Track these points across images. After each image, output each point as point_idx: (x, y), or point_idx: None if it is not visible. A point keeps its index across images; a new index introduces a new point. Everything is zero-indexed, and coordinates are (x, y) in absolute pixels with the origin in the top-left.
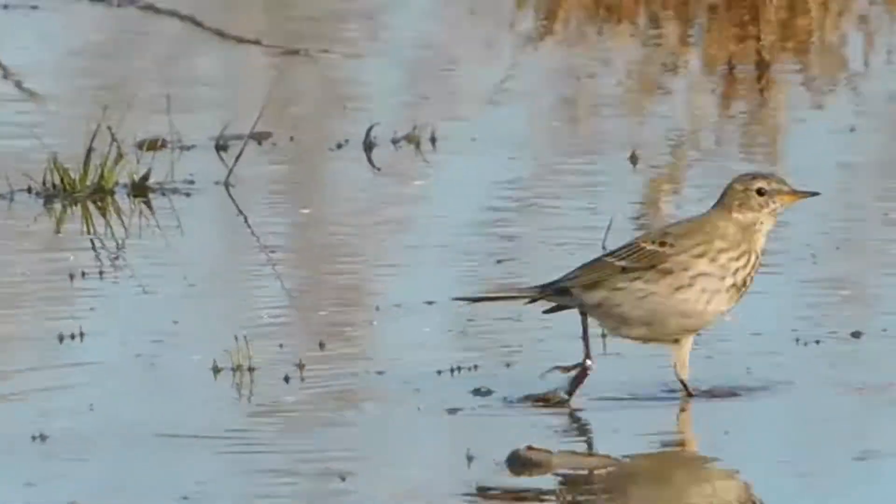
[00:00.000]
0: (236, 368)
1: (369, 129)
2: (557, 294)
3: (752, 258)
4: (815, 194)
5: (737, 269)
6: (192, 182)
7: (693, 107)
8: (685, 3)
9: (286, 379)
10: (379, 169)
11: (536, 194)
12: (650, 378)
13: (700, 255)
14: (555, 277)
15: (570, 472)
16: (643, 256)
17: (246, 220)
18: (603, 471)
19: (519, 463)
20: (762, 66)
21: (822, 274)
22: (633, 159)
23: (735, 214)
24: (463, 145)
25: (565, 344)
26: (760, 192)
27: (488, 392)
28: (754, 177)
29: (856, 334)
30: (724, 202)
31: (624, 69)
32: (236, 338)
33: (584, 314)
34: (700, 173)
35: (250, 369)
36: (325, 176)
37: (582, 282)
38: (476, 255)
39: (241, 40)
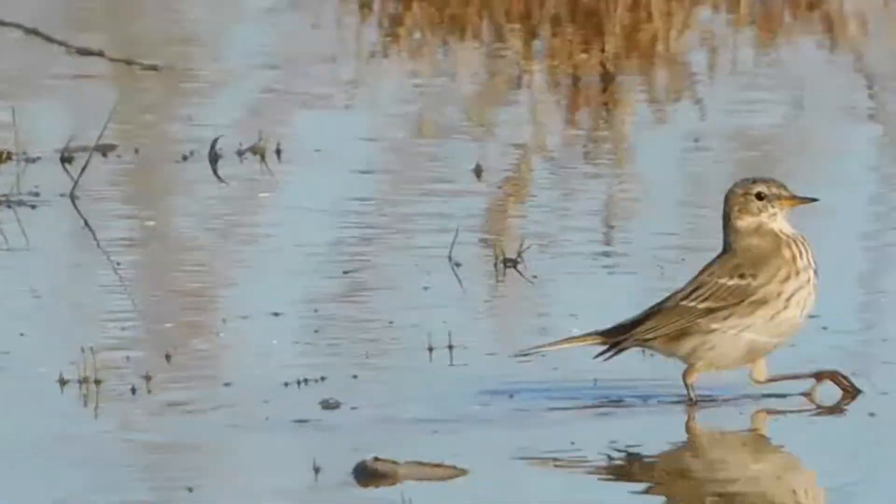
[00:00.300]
0: (83, 381)
1: (214, 141)
2: (634, 346)
3: (801, 243)
4: (814, 200)
5: (807, 263)
6: (37, 194)
7: (538, 118)
8: (528, 15)
9: (133, 391)
10: (224, 181)
11: (382, 206)
12: (501, 392)
13: (787, 278)
14: (612, 324)
15: (417, 482)
16: (728, 293)
17: (92, 232)
18: (452, 481)
19: (366, 474)
20: (606, 78)
21: (669, 285)
22: (478, 171)
23: (736, 222)
24: (307, 157)
25: (412, 355)
26: (760, 197)
27: (336, 404)
28: (754, 181)
29: None
30: (726, 212)
31: (469, 81)
32: (83, 350)
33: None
34: (545, 185)
35: (97, 381)
36: (171, 188)
37: (663, 333)
38: (322, 266)
39: (85, 52)
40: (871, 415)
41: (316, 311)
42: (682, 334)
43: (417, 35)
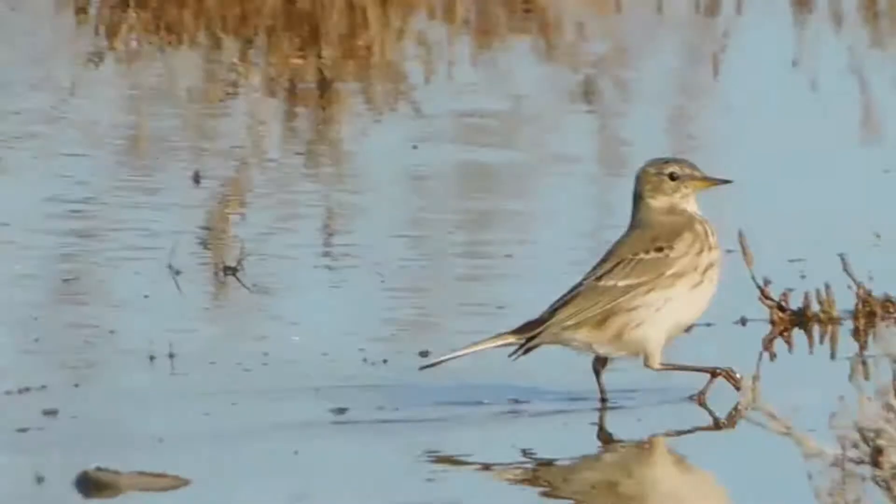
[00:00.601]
0: None
1: None
2: (550, 340)
3: (709, 224)
4: (727, 181)
5: (716, 244)
6: None
7: (256, 125)
8: (245, 21)
9: None
10: None
11: (100, 213)
12: (223, 401)
13: (700, 252)
14: (523, 321)
15: (140, 492)
16: (646, 269)
17: None
18: (175, 491)
19: (88, 484)
20: (324, 84)
21: (388, 292)
22: (196, 178)
23: (648, 201)
24: (23, 165)
25: (133, 364)
26: (672, 177)
27: (57, 412)
28: (666, 161)
29: (423, 353)
30: (638, 191)
31: (186, 88)
32: None
33: (597, 372)
34: (264, 192)
35: None
36: None
37: (585, 317)
38: (42, 274)
39: None
40: None
41: (35, 318)
42: (606, 317)
43: (134, 41)
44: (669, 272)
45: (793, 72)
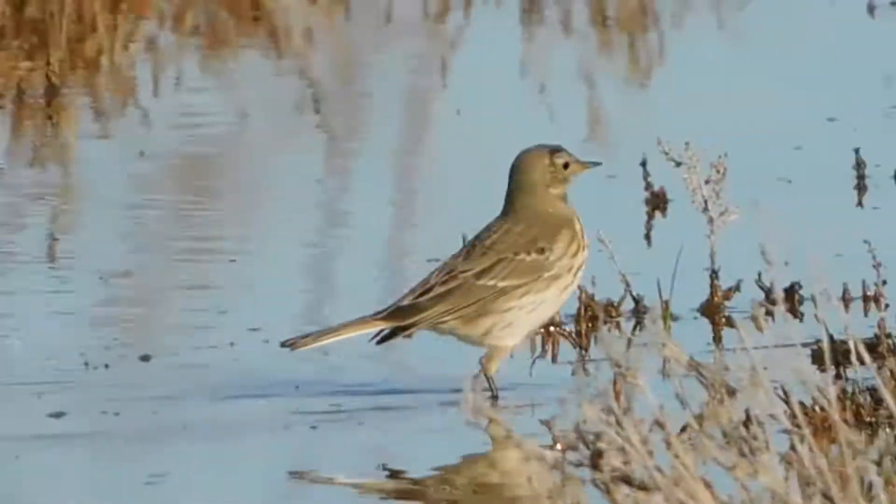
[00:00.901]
0: None
1: None
2: (420, 328)
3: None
4: (598, 164)
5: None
6: None
7: None
8: None
9: None
10: None
11: None
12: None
13: (577, 252)
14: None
15: None
16: (526, 270)
17: None
18: None
19: None
20: (51, 91)
21: (110, 298)
22: None
23: (551, 190)
24: None
25: None
26: (566, 166)
27: None
28: (552, 151)
29: (145, 357)
30: (535, 181)
31: None
32: None
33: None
34: None
35: None
36: None
37: (460, 315)
38: None
39: None
40: None
41: None
42: (479, 315)
43: None
44: (547, 275)
45: (521, 78)
